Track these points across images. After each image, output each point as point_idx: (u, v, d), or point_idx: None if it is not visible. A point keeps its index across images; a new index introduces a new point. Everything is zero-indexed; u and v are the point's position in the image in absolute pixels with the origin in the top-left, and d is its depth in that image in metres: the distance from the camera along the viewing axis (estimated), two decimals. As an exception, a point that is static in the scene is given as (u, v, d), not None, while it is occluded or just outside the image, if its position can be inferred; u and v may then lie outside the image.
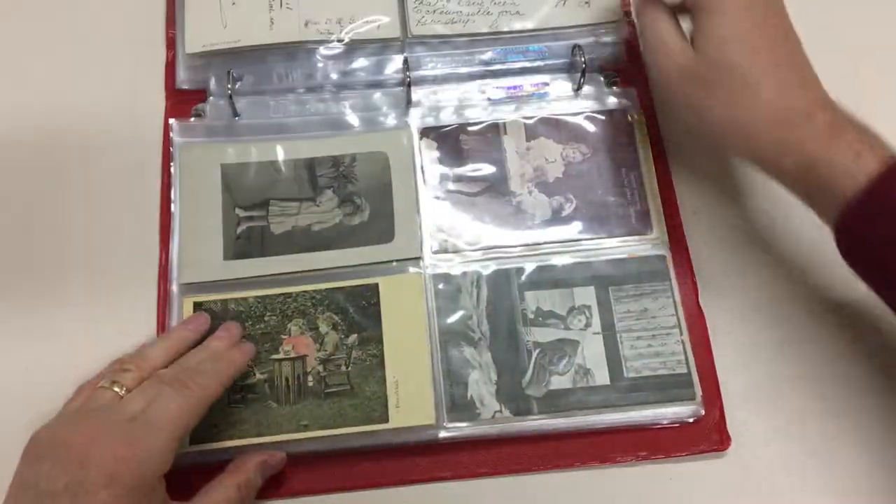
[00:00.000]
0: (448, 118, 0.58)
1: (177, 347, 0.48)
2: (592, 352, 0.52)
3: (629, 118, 0.58)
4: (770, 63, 0.46)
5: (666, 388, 0.51)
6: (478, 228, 0.55)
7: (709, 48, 0.47)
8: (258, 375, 0.50)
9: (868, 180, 0.43)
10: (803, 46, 0.48)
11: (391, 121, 0.58)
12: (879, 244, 0.43)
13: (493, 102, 0.59)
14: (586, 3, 0.60)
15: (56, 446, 0.40)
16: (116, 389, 0.44)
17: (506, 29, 0.59)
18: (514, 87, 0.59)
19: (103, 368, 0.47)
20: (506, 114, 0.58)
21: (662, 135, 0.58)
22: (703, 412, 0.51)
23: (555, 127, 0.58)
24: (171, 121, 0.57)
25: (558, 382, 0.51)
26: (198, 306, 0.52)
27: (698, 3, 0.48)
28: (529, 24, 0.59)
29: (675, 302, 0.53)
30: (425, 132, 0.57)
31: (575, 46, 0.58)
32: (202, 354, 0.48)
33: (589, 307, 0.53)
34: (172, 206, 0.55)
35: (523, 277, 0.53)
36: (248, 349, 0.50)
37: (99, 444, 0.40)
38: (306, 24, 0.58)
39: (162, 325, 0.52)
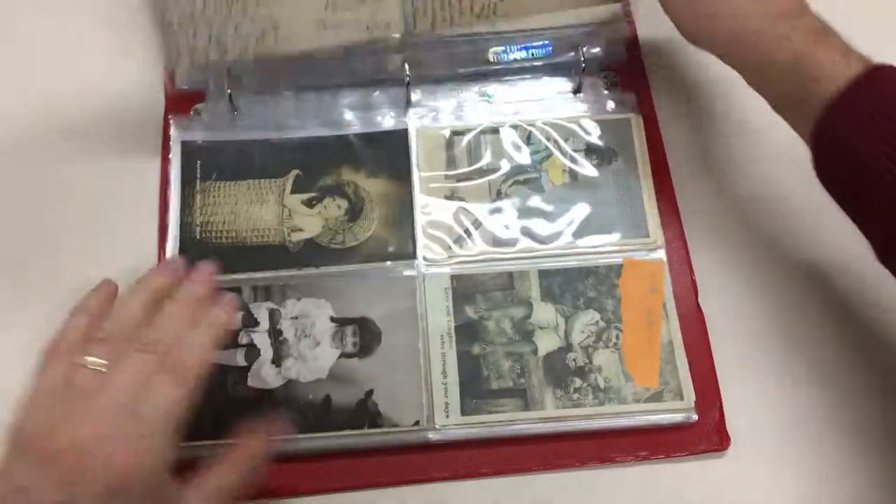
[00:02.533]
0: (447, 119, 0.58)
1: (153, 301, 0.43)
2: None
3: (628, 119, 0.58)
4: None
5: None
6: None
7: None
8: None
9: (849, 82, 0.42)
10: None
11: (389, 120, 0.58)
12: (855, 153, 0.41)
13: (493, 103, 0.59)
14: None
15: (49, 449, 0.37)
16: (96, 367, 0.39)
17: (505, 29, 0.59)
18: (514, 88, 0.59)
19: (68, 322, 0.43)
20: (505, 115, 0.58)
21: (662, 135, 0.58)
22: (695, 417, 0.50)
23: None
24: (170, 117, 0.57)
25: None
26: None
27: None
28: (530, 24, 0.59)
29: (665, 311, 0.53)
30: (424, 131, 0.57)
31: (574, 46, 0.58)
32: (183, 311, 0.43)
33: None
34: (171, 204, 0.55)
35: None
36: (231, 302, 0.45)
37: (99, 450, 0.37)
38: (306, 24, 0.58)
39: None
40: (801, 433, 0.50)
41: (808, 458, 0.50)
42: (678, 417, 0.50)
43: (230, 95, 0.56)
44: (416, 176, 0.56)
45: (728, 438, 0.50)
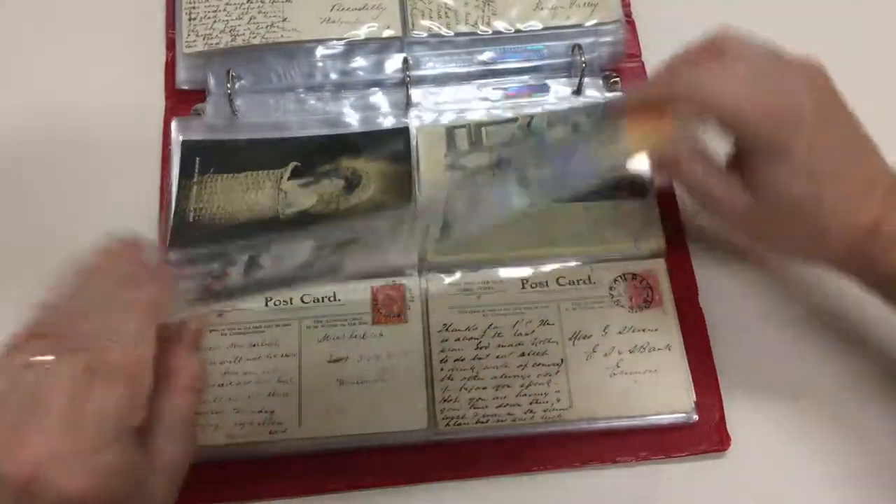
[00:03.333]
0: (447, 119, 0.58)
1: (93, 286, 0.39)
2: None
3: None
4: (835, 188, 0.43)
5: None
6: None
7: (769, 195, 0.43)
8: None
9: None
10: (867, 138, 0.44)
11: (390, 121, 0.58)
12: None
13: (493, 104, 0.59)
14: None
15: (7, 473, 0.33)
16: (37, 367, 0.35)
17: (504, 28, 0.59)
18: (515, 90, 0.59)
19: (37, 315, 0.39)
20: (505, 116, 0.58)
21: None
22: (695, 417, 0.50)
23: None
24: (172, 118, 0.57)
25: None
26: None
27: (754, 148, 0.43)
28: (529, 23, 0.59)
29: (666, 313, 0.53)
30: (424, 129, 0.57)
31: (574, 46, 0.58)
32: (116, 293, 0.38)
33: None
34: (171, 203, 0.55)
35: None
36: (169, 274, 0.41)
37: (55, 473, 0.33)
38: (306, 23, 0.58)
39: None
40: (801, 433, 0.50)
41: (808, 458, 0.50)
42: (678, 418, 0.50)
43: (230, 95, 0.56)
44: (415, 158, 0.56)
45: (728, 438, 0.50)
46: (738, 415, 0.50)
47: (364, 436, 0.49)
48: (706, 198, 0.46)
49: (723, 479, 0.49)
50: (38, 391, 0.35)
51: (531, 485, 0.49)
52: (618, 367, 0.51)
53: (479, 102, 0.59)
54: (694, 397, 0.50)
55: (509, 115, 0.58)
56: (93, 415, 0.35)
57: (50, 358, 0.35)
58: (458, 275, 0.53)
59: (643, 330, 0.52)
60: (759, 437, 0.50)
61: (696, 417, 0.50)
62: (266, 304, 0.52)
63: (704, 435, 0.50)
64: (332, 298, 0.52)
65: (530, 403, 0.50)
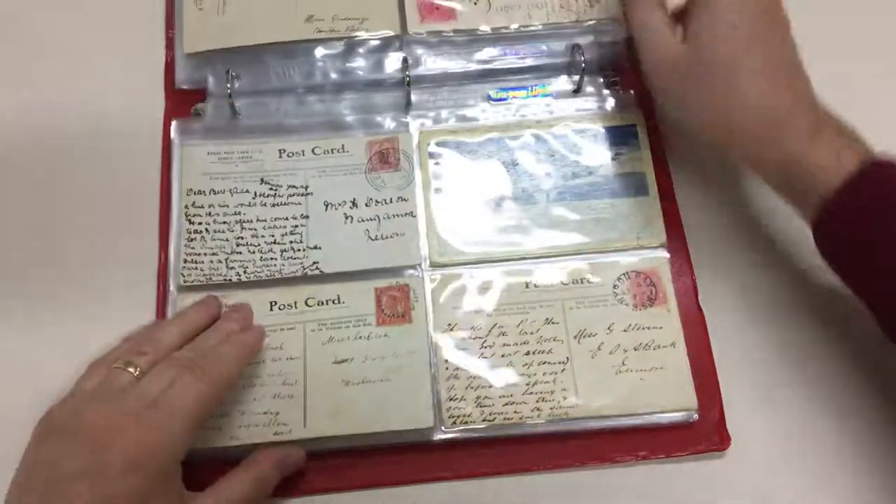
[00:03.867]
0: (448, 119, 0.58)
1: (191, 330, 0.48)
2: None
3: (632, 116, 0.58)
4: (760, 62, 0.46)
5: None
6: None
7: (699, 44, 0.47)
8: None
9: (844, 180, 0.43)
10: (797, 47, 0.48)
11: (390, 122, 0.58)
12: (855, 244, 0.43)
13: (493, 104, 0.59)
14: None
15: (76, 428, 0.40)
16: (132, 370, 0.43)
17: (503, 24, 0.59)
18: (514, 89, 0.59)
19: (116, 346, 0.47)
20: (505, 116, 0.58)
21: (663, 136, 0.58)
22: (695, 417, 0.51)
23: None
24: (173, 120, 0.57)
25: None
26: None
27: None
28: (529, 21, 0.59)
29: (669, 311, 0.53)
30: (428, 134, 0.57)
31: (574, 46, 0.58)
32: (217, 337, 0.48)
33: None
34: (172, 204, 0.55)
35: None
36: (261, 331, 0.51)
37: (121, 429, 0.40)
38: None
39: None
40: (801, 433, 0.51)
41: (808, 457, 0.50)
42: (678, 417, 0.51)
43: (230, 95, 0.56)
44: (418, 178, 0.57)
45: (728, 438, 0.50)
46: (738, 415, 0.51)
47: (370, 435, 0.50)
48: (649, 33, 0.49)
49: (723, 479, 0.50)
50: (123, 385, 0.43)
51: (531, 485, 0.50)
52: (623, 364, 0.51)
53: (479, 102, 0.59)
54: (695, 397, 0.51)
55: (509, 118, 0.58)
56: (174, 395, 0.42)
57: (137, 369, 0.44)
58: (461, 274, 0.53)
59: (648, 327, 0.52)
60: (759, 437, 0.51)
61: (696, 417, 0.51)
62: (271, 309, 0.52)
63: (704, 435, 0.51)
64: (335, 301, 0.52)
65: (537, 401, 0.51)
